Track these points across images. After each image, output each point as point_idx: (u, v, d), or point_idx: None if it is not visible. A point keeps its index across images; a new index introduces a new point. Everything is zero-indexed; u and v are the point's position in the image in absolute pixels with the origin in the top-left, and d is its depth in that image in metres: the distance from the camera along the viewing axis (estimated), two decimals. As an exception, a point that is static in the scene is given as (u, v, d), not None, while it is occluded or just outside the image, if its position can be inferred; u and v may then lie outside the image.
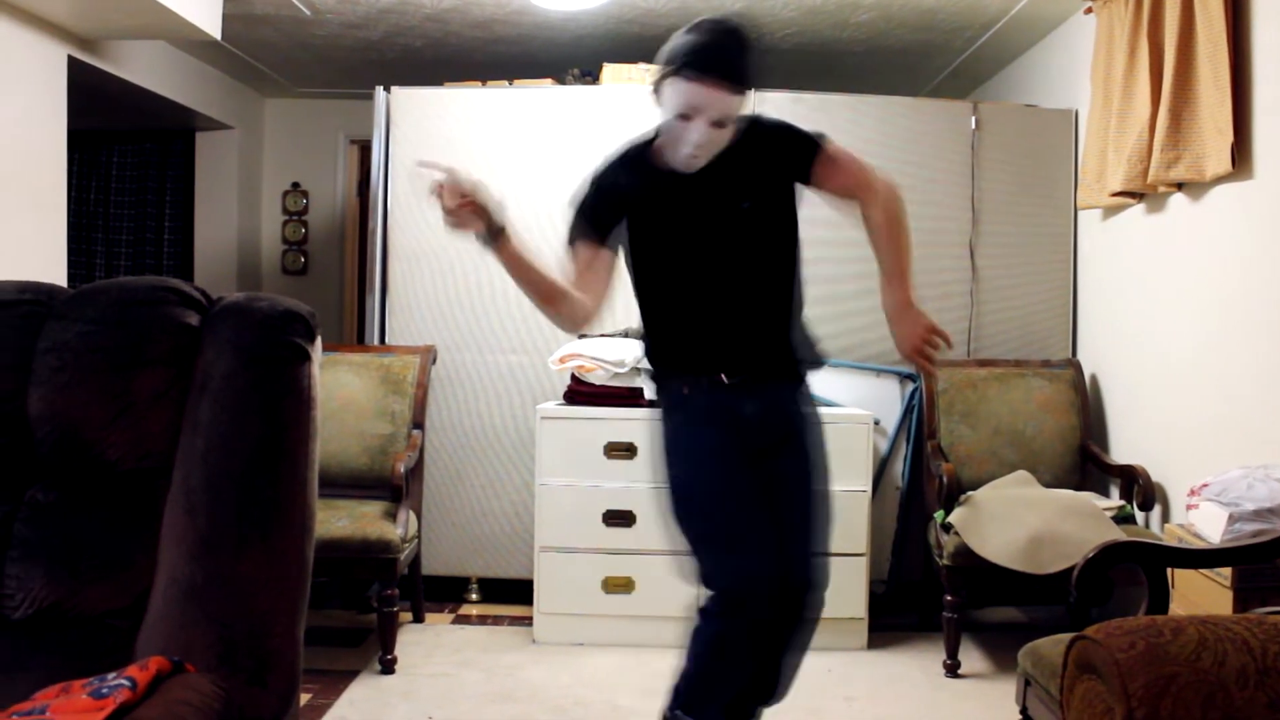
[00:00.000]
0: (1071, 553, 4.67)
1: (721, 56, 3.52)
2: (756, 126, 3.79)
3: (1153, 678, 2.19)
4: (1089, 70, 6.05)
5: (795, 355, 3.97)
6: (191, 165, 9.07)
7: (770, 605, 3.66)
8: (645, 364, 3.99)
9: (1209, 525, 4.13)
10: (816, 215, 6.42)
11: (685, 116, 3.50)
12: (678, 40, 3.56)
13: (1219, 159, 4.73)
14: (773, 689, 3.95)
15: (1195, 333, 5.20)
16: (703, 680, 3.77)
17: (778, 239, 3.93)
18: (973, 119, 6.52)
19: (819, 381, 6.21)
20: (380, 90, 6.53)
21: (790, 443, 3.93)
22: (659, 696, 4.59)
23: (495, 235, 3.60)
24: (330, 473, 5.81)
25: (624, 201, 3.76)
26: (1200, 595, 3.98)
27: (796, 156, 3.85)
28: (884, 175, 3.88)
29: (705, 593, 3.72)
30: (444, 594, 6.56)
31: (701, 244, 3.78)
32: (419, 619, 6.13)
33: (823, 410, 5.99)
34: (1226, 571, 3.81)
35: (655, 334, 3.90)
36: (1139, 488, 5.46)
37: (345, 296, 9.43)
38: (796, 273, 4.01)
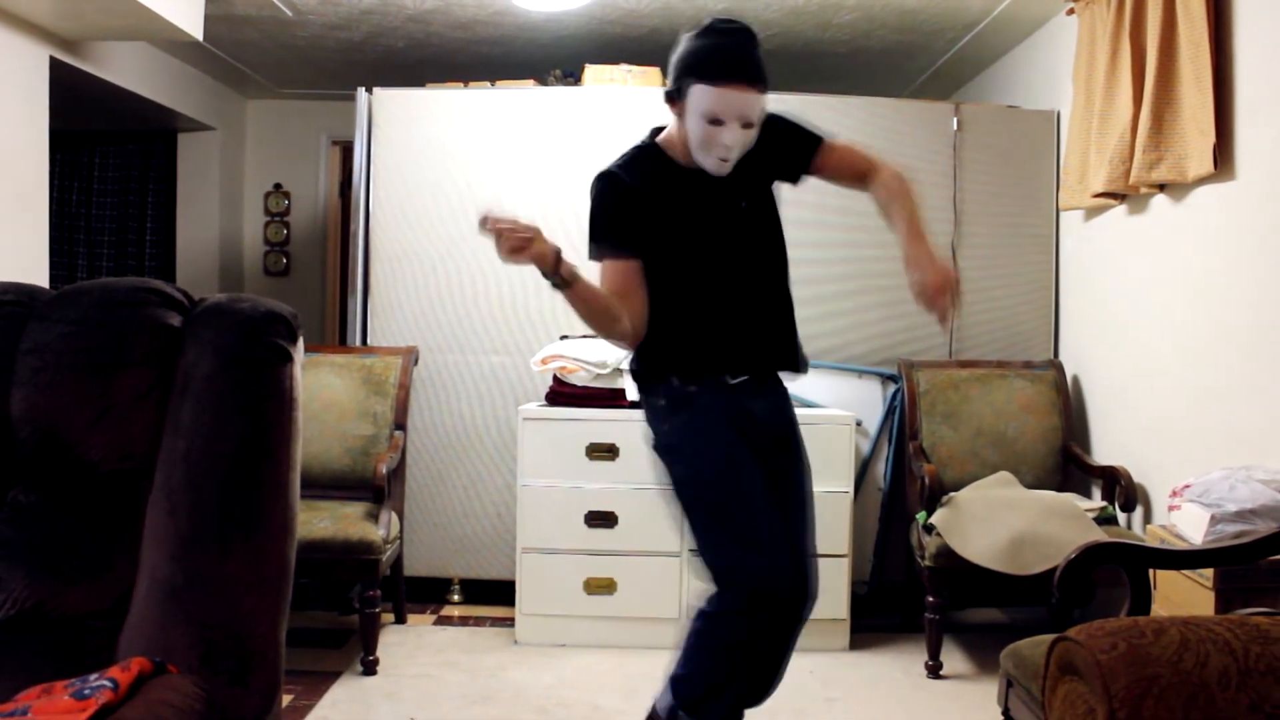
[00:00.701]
0: (1053, 554, 4.68)
1: (747, 59, 3.58)
2: (770, 124, 3.81)
3: (1135, 679, 2.19)
4: (1071, 71, 6.06)
5: (795, 355, 4.01)
6: (173, 166, 9.06)
7: (794, 600, 3.72)
8: (632, 364, 3.92)
9: (1191, 526, 4.14)
10: (798, 216, 6.44)
11: (717, 121, 3.54)
12: (695, 44, 3.60)
13: (1201, 160, 4.74)
14: (767, 688, 3.96)
15: (1177, 334, 5.21)
16: (714, 680, 3.77)
17: (775, 237, 3.99)
18: (955, 120, 6.53)
19: (800, 383, 6.24)
20: (362, 91, 6.52)
21: (788, 443, 3.97)
22: (641, 697, 4.59)
23: (569, 280, 3.48)
24: (312, 474, 5.80)
25: (650, 207, 3.75)
26: (1182, 596, 3.99)
27: (798, 153, 3.93)
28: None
29: (713, 592, 3.74)
30: (426, 595, 6.55)
31: (716, 244, 3.81)
32: (401, 620, 6.12)
33: (804, 411, 6.03)
34: (1209, 572, 3.82)
35: (659, 333, 3.81)
36: (1121, 489, 5.48)
37: (327, 298, 9.41)
38: (788, 272, 4.06)
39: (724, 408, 3.79)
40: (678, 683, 3.83)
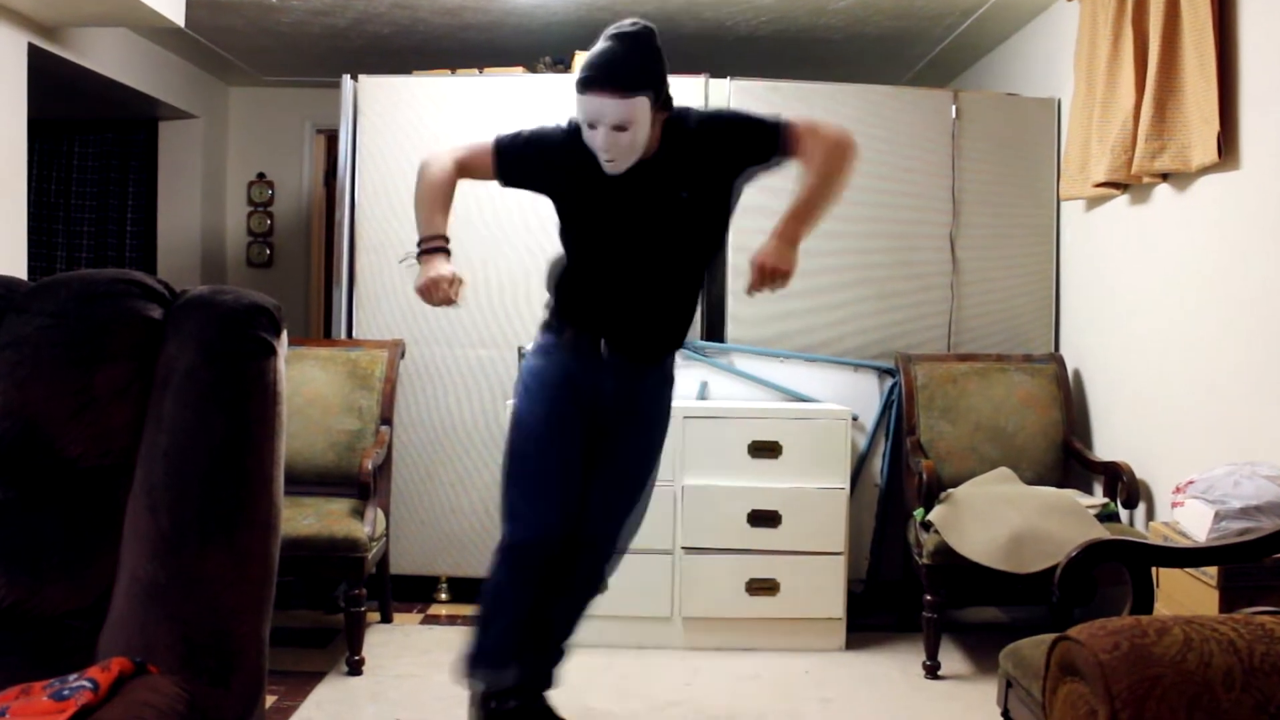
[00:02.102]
0: (1054, 551, 4.68)
1: (609, 65, 3.83)
2: (685, 122, 4.04)
3: (1137, 679, 2.19)
4: (1072, 58, 6.07)
5: (676, 343, 4.35)
6: (154, 155, 9.05)
7: (539, 565, 4.19)
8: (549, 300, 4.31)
9: (1194, 523, 4.14)
10: (784, 207, 6.42)
11: (591, 125, 3.84)
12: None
13: (1205, 149, 4.74)
14: (547, 644, 4.39)
15: (1181, 326, 5.21)
16: (479, 616, 4.31)
17: (708, 231, 4.23)
18: (953, 108, 6.53)
19: (796, 377, 6.24)
20: (347, 78, 6.51)
21: (631, 430, 4.31)
22: (632, 698, 4.60)
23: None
24: (296, 470, 5.78)
25: (551, 180, 4.16)
26: (1186, 595, 4.00)
27: (755, 142, 4.08)
28: (843, 132, 4.08)
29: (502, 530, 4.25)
30: (412, 594, 6.54)
31: (623, 230, 4.11)
32: (387, 619, 6.11)
33: (800, 406, 6.03)
34: (1212, 570, 3.82)
35: (566, 283, 4.25)
36: (1123, 485, 5.48)
37: (311, 289, 9.41)
38: (706, 267, 4.40)
39: (576, 372, 4.18)
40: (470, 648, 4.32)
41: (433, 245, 4.03)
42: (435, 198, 4.10)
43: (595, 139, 3.84)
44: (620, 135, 3.81)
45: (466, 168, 4.17)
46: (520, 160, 4.14)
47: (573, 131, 4.00)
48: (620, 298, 4.16)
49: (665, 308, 4.22)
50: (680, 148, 4.02)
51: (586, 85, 3.79)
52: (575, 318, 4.19)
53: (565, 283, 4.25)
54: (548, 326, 4.26)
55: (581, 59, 6.57)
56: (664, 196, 4.02)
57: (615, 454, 4.27)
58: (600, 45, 3.86)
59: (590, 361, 4.16)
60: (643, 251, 4.11)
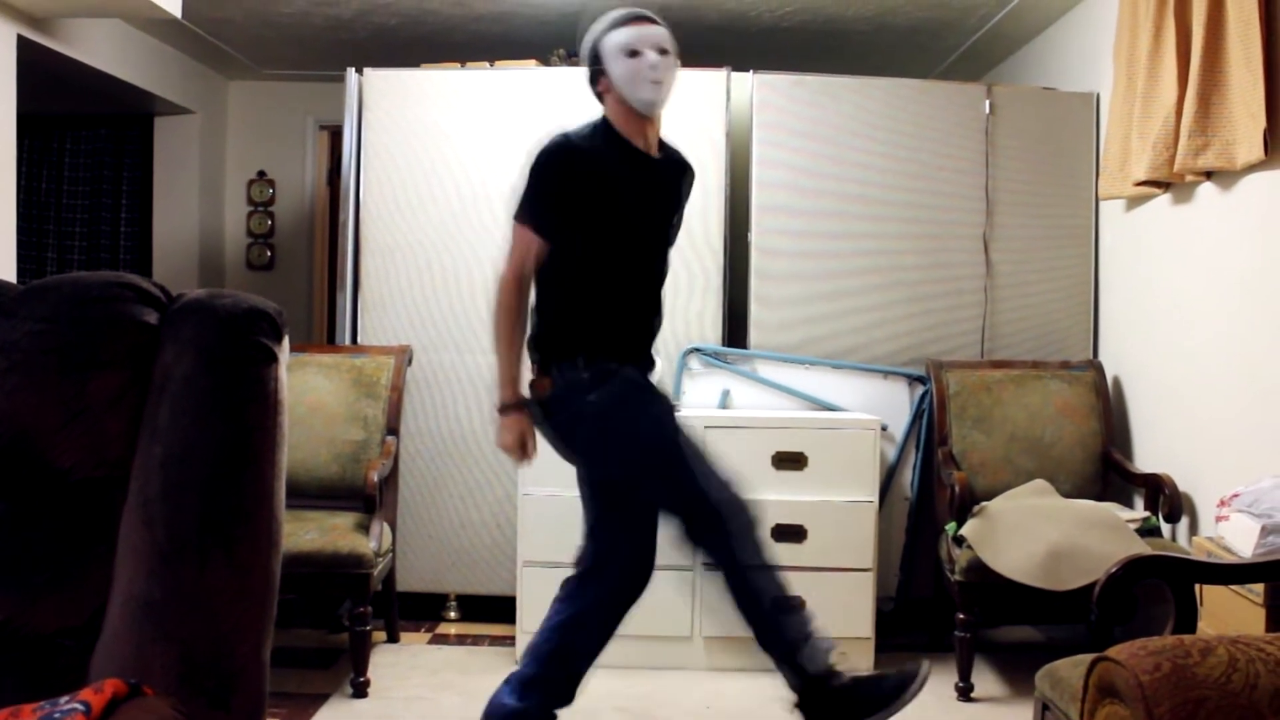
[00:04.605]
0: (1092, 568, 4.67)
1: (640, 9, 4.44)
2: (667, 144, 4.57)
3: (1179, 702, 2.19)
4: (1111, 51, 6.05)
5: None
6: (150, 152, 9.08)
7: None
8: (543, 340, 4.49)
9: (1240, 538, 4.14)
10: (819, 206, 6.47)
11: (634, 53, 4.25)
12: (590, 33, 4.44)
13: (1251, 145, 4.73)
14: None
15: (1225, 332, 5.20)
16: (560, 660, 4.48)
17: (669, 242, 4.68)
18: (987, 103, 6.53)
19: (822, 385, 6.25)
20: (352, 72, 6.52)
21: None
22: (649, 719, 4.60)
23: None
24: (298, 482, 5.80)
25: (600, 183, 4.32)
26: (1230, 613, 3.99)
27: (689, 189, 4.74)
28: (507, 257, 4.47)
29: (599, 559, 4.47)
30: (420, 612, 6.55)
31: (649, 232, 4.49)
32: (393, 639, 6.12)
33: (826, 415, 6.05)
34: (1259, 588, 3.82)
35: (593, 316, 4.39)
36: (1165, 498, 5.47)
37: (314, 293, 9.43)
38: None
39: (647, 385, 4.48)
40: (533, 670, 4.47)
41: (516, 405, 4.45)
42: (516, 341, 4.47)
43: (642, 63, 4.24)
44: (666, 59, 4.28)
45: (525, 264, 4.36)
46: (562, 199, 4.31)
47: (589, 135, 4.36)
48: (641, 304, 4.49)
49: (659, 307, 4.60)
50: (670, 163, 4.54)
51: (632, 18, 4.34)
52: (611, 342, 4.39)
53: (597, 311, 4.39)
54: (575, 366, 4.37)
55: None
56: (666, 202, 4.48)
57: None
58: (613, 13, 4.41)
59: (640, 374, 4.48)
60: (650, 262, 4.51)
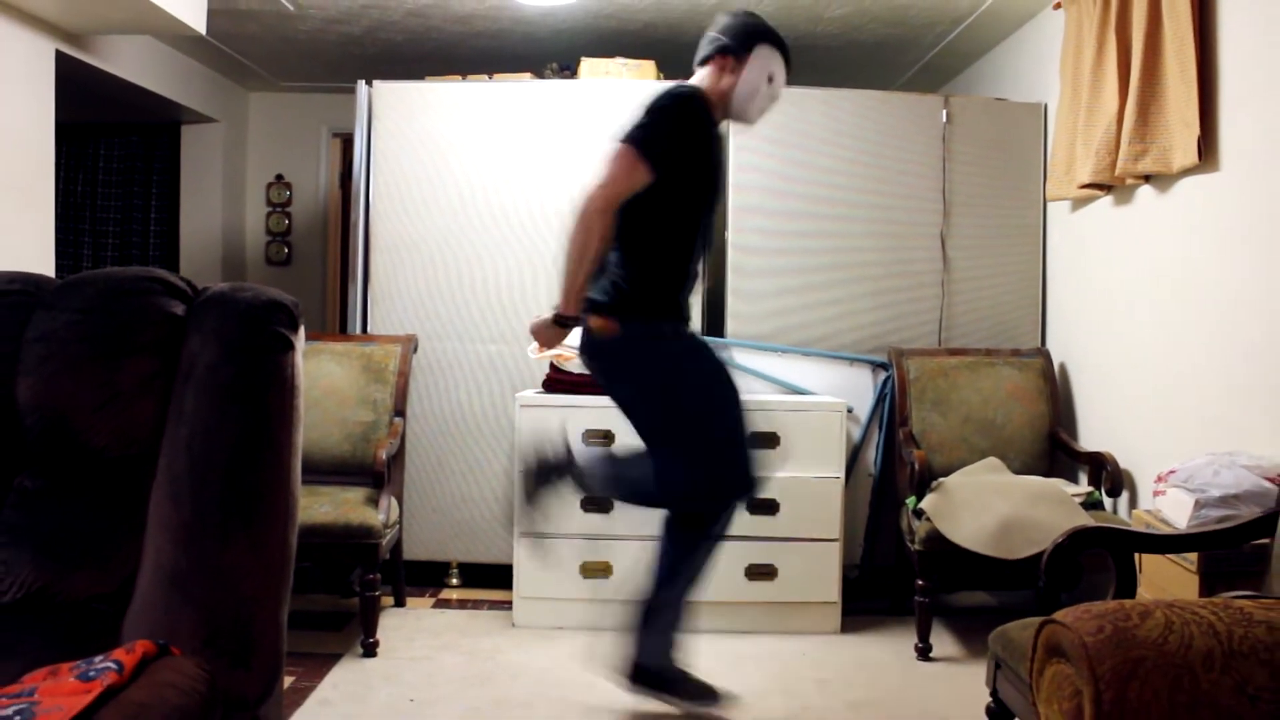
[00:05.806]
0: (1041, 538, 4.68)
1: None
2: None
3: (1120, 661, 2.19)
4: (1058, 65, 6.06)
5: None
6: (177, 158, 9.04)
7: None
8: (621, 295, 4.26)
9: (1176, 511, 4.14)
10: (788, 207, 6.46)
11: (771, 79, 4.36)
12: (749, 20, 4.43)
13: (1185, 151, 4.74)
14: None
15: (1162, 322, 5.21)
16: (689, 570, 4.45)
17: None
18: (944, 112, 6.52)
19: (793, 371, 6.24)
20: (362, 84, 6.50)
21: None
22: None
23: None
24: (313, 460, 5.80)
25: (706, 145, 4.34)
26: (1167, 580, 4.00)
27: None
28: (596, 180, 4.17)
29: (701, 506, 4.37)
30: (425, 579, 6.55)
31: (715, 198, 4.49)
32: (400, 603, 6.11)
33: (797, 398, 6.04)
34: (1193, 556, 3.83)
35: (669, 271, 4.35)
36: (1107, 474, 5.47)
37: (328, 287, 9.40)
38: None
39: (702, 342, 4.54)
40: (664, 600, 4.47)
41: (573, 322, 4.27)
42: (594, 264, 4.18)
43: (771, 90, 4.40)
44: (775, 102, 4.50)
45: (621, 195, 4.13)
46: (678, 140, 4.22)
47: (696, 98, 4.32)
48: (693, 265, 4.44)
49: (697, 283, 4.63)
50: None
51: (784, 49, 4.42)
52: (671, 302, 4.38)
53: (665, 272, 4.35)
54: (643, 323, 4.30)
55: (590, 65, 6.59)
56: (722, 178, 4.76)
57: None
58: (764, 23, 4.45)
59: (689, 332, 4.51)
60: (708, 227, 4.51)
